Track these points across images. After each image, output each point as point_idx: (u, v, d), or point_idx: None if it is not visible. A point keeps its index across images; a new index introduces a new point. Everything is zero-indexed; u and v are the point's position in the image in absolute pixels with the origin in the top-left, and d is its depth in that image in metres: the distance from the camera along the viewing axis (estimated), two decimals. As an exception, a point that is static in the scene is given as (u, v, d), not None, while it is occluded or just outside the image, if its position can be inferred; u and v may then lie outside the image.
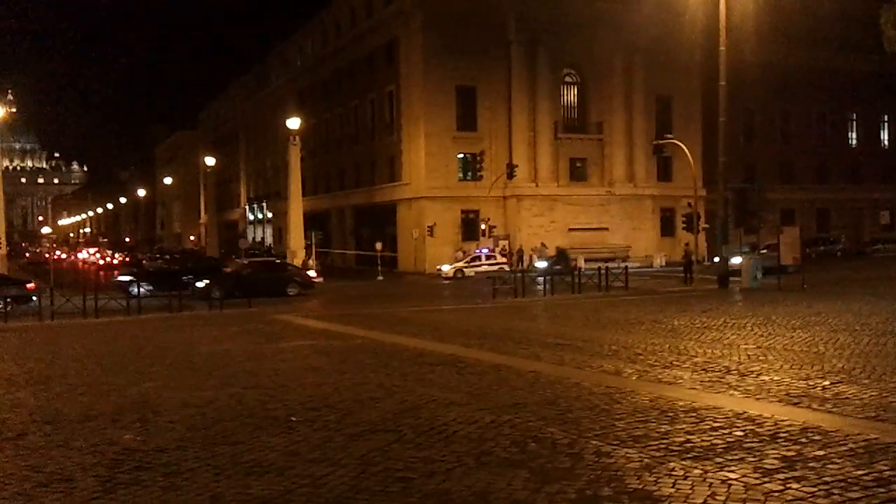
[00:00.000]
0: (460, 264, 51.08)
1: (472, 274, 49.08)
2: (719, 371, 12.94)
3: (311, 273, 50.27)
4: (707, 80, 52.02)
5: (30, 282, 34.70)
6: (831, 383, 11.62)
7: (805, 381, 11.81)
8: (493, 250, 53.92)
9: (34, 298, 31.52)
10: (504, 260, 52.18)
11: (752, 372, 12.78)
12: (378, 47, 65.17)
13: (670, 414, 9.77)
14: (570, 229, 59.67)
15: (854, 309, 22.47)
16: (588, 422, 9.46)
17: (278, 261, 47.38)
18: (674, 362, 14.01)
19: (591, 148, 62.36)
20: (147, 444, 8.97)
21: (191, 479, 7.65)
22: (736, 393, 11.15)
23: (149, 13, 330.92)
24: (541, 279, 40.21)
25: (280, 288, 35.87)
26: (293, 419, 10.00)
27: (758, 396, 10.87)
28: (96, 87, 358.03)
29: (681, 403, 10.36)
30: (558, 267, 47.01)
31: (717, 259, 39.04)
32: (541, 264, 48.64)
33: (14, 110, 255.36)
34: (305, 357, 16.08)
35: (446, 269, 50.74)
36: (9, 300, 30.57)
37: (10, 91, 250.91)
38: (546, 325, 21.23)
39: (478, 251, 53.28)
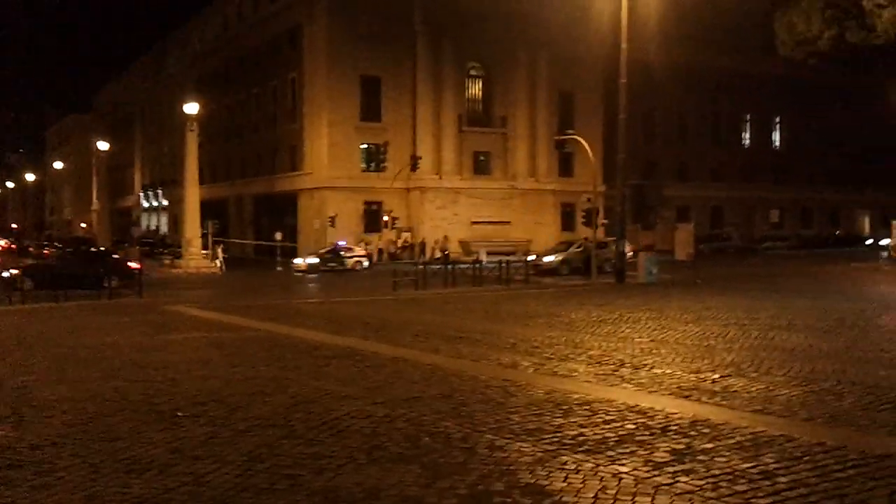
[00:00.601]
0: (314, 258, 48.82)
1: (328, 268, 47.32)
2: (613, 364, 13.08)
3: (218, 262, 48.99)
4: (609, 78, 52.93)
5: None
6: (720, 377, 11.86)
7: (696, 375, 12.04)
8: (350, 244, 52.18)
9: None
10: (364, 253, 50.29)
11: (645, 365, 12.96)
12: (281, 33, 64.13)
13: (564, 407, 9.79)
14: (473, 222, 60.06)
15: (744, 304, 23.15)
16: (483, 415, 9.38)
17: (101, 249, 45.27)
18: (570, 355, 14.11)
19: (494, 142, 62.81)
20: (21, 440, 8.46)
21: (65, 477, 7.24)
22: (629, 386, 11.28)
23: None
24: (312, 276, 41.24)
25: (96, 279, 31.44)
26: (178, 414, 9.61)
27: (650, 389, 11.00)
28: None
29: (575, 396, 10.40)
30: (332, 264, 46.71)
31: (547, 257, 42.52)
32: (311, 260, 48.01)
33: None
34: (196, 349, 15.58)
35: (299, 262, 48.40)
36: None
37: None
38: (446, 318, 21.15)
39: (336, 244, 51.73)
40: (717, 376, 11.89)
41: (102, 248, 45.53)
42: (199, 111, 52.12)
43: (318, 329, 18.66)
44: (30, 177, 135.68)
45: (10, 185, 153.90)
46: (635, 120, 57.72)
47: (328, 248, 50.09)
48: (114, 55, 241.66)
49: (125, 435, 8.63)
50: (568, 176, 64.01)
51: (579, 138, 44.60)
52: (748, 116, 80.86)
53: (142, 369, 13.08)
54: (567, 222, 63.18)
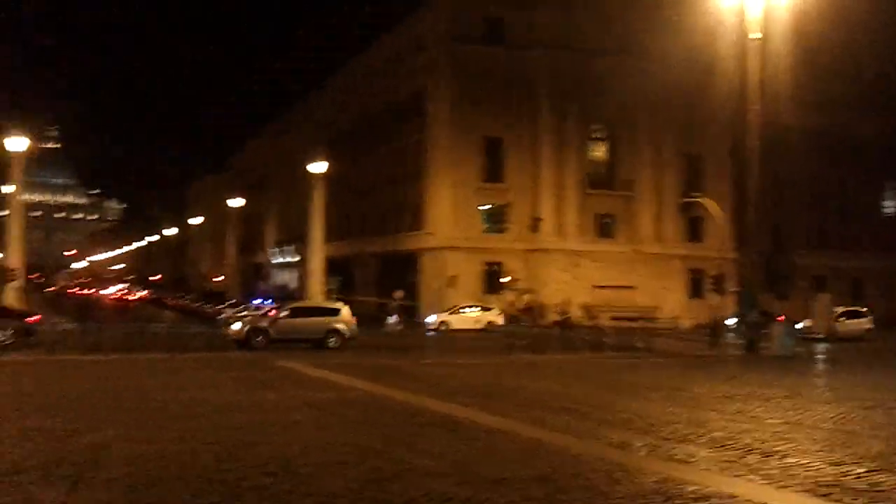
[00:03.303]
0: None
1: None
2: (739, 449, 11.50)
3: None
4: (740, 140, 50.76)
5: (33, 314, 33.90)
6: (867, 471, 10.15)
7: (836, 467, 10.36)
8: (272, 303, 49.36)
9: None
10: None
11: (776, 452, 11.33)
12: (406, 96, 64.83)
13: (677, 501, 8.38)
14: (595, 286, 58.22)
15: (890, 384, 20.91)
16: (579, 506, 8.13)
17: None
18: (689, 436, 12.59)
19: (618, 204, 61.14)
20: (66, 507, 7.77)
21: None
22: (756, 478, 9.73)
23: (187, 59, 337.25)
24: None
25: None
26: (243, 485, 8.75)
27: (781, 483, 9.44)
28: (135, 128, 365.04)
29: (691, 489, 8.96)
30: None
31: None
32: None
33: (57, 146, 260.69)
34: (288, 410, 14.81)
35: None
36: (11, 332, 29.77)
37: (54, 127, 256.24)
38: (557, 386, 19.83)
39: (252, 301, 48.32)
40: (862, 470, 10.19)
41: None
42: (326, 171, 52.83)
43: (419, 392, 17.68)
44: (170, 231, 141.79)
45: (153, 238, 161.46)
46: (767, 185, 54.98)
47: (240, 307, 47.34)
48: (251, 117, 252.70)
49: (177, 507, 7.82)
50: (696, 241, 61.56)
51: (706, 202, 42.64)
52: (887, 184, 76.18)
53: (224, 430, 12.37)
54: (695, 288, 60.54)
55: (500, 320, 48.41)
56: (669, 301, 59.10)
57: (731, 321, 42.61)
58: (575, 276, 58.16)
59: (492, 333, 45.04)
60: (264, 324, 31.73)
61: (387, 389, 18.26)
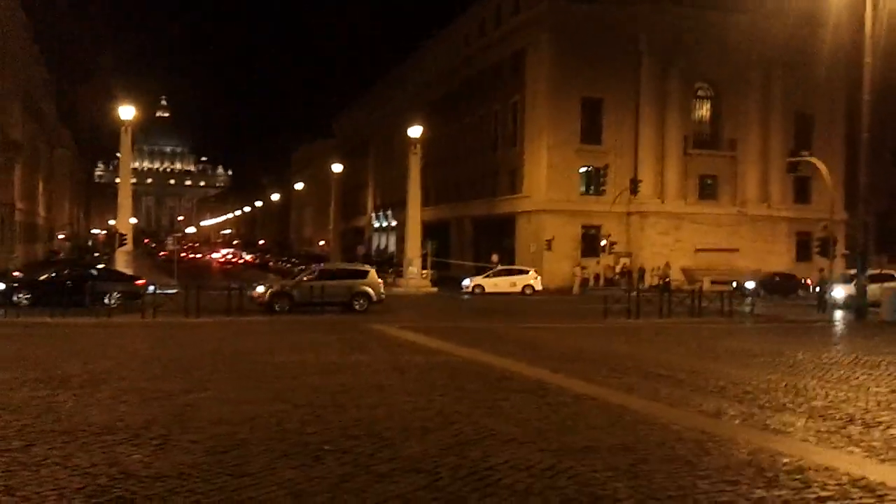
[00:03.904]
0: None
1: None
2: (840, 419, 10.99)
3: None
4: (853, 99, 48.42)
5: (140, 278, 35.07)
6: (980, 445, 9.56)
7: (946, 441, 9.79)
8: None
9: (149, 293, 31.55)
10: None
11: (880, 423, 10.78)
12: (505, 58, 64.08)
13: (769, 474, 8.02)
14: (697, 250, 56.82)
15: None
16: (663, 478, 7.84)
17: None
18: (787, 405, 12.10)
19: (722, 165, 59.31)
20: (151, 467, 7.92)
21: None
22: (857, 450, 9.25)
23: (292, 24, 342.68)
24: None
25: (95, 295, 29.23)
26: (325, 448, 8.80)
27: (883, 457, 8.95)
28: (243, 95, 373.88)
29: (785, 460, 8.58)
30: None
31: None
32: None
33: (167, 115, 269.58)
34: (378, 373, 14.89)
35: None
36: (118, 295, 30.92)
37: (163, 97, 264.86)
38: (651, 352, 19.38)
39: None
40: (974, 445, 9.60)
41: (102, 266, 41.80)
42: (425, 135, 52.92)
43: (510, 357, 17.54)
44: (275, 196, 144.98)
45: (258, 203, 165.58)
46: (883, 144, 52.37)
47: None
48: (353, 83, 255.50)
49: (257, 469, 7.87)
50: (804, 202, 59.35)
51: (814, 160, 40.87)
52: None
53: (313, 392, 12.52)
54: (802, 252, 58.42)
55: (538, 284, 47.88)
56: (774, 264, 57.12)
57: (749, 284, 41.97)
58: (675, 238, 56.86)
59: (530, 297, 45.33)
60: (287, 287, 31.61)
61: (477, 353, 18.18)
